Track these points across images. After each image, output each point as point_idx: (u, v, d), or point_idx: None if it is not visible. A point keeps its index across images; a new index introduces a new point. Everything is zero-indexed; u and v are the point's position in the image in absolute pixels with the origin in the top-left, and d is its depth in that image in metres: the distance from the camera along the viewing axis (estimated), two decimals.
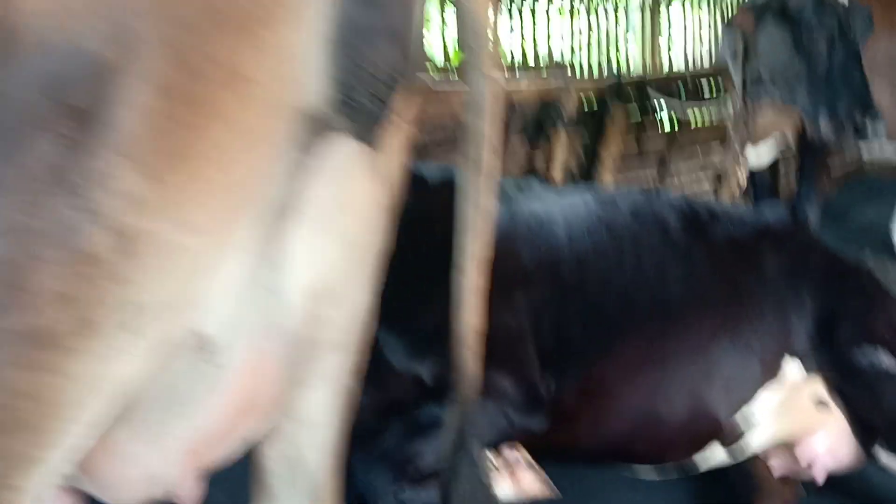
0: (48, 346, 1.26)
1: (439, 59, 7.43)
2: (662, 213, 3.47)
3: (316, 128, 1.41)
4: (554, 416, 3.14)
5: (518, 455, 3.16)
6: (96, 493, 1.73)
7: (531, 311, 3.24)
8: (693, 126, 6.58)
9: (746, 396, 3.25)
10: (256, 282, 1.50)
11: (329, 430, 1.81)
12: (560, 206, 3.46)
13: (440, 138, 5.07)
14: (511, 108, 5.24)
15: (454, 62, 7.46)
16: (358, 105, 1.38)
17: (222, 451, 1.70)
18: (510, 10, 7.93)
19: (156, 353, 1.39)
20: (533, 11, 8.28)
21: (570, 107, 5.37)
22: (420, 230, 3.25)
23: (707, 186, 6.82)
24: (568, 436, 3.22)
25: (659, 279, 3.28)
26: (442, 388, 2.99)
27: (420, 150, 4.98)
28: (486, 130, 1.63)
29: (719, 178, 6.83)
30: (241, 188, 1.35)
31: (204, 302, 1.42)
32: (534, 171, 5.47)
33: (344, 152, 1.46)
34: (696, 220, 3.50)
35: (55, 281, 1.25)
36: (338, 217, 1.55)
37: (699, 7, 9.57)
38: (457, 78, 6.45)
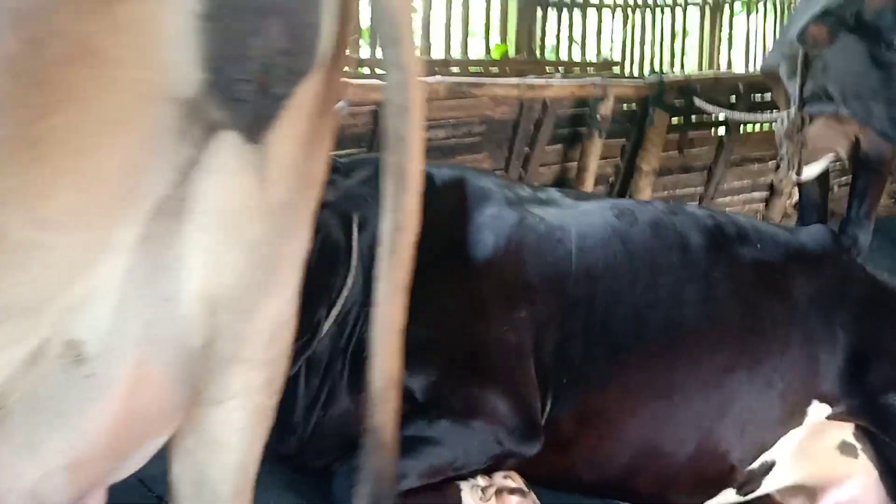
0: None
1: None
2: (684, 228, 3.19)
3: (199, 120, 1.24)
4: (550, 442, 2.91)
5: (510, 482, 2.95)
6: None
7: (533, 327, 3.01)
8: (743, 133, 6.20)
9: (766, 442, 2.96)
10: (143, 288, 1.34)
11: (238, 453, 1.63)
12: (574, 216, 3.22)
13: (465, 138, 4.85)
14: (543, 109, 4.97)
15: (495, 56, 7.24)
16: (238, 94, 1.20)
17: (108, 466, 1.56)
18: (556, 5, 7.67)
19: (17, 358, 1.25)
20: (582, 7, 7.99)
21: (605, 111, 5.01)
22: (423, 230, 3.06)
23: (758, 203, 6.44)
24: (564, 463, 2.99)
25: (673, 300, 3.01)
26: (432, 403, 2.82)
27: (445, 151, 4.80)
28: (410, 134, 1.39)
29: (771, 193, 6.48)
30: (109, 182, 1.20)
31: (73, 305, 1.27)
32: (565, 181, 5.16)
33: (236, 147, 1.27)
34: (721, 237, 3.21)
35: None
36: (235, 219, 1.36)
37: (761, 10, 9.18)
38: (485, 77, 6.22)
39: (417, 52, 1.35)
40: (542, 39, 7.72)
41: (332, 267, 2.89)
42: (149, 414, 1.47)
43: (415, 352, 2.82)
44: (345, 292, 2.90)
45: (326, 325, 2.90)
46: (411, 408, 2.80)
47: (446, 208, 3.14)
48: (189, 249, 1.36)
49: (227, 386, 1.55)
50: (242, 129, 1.25)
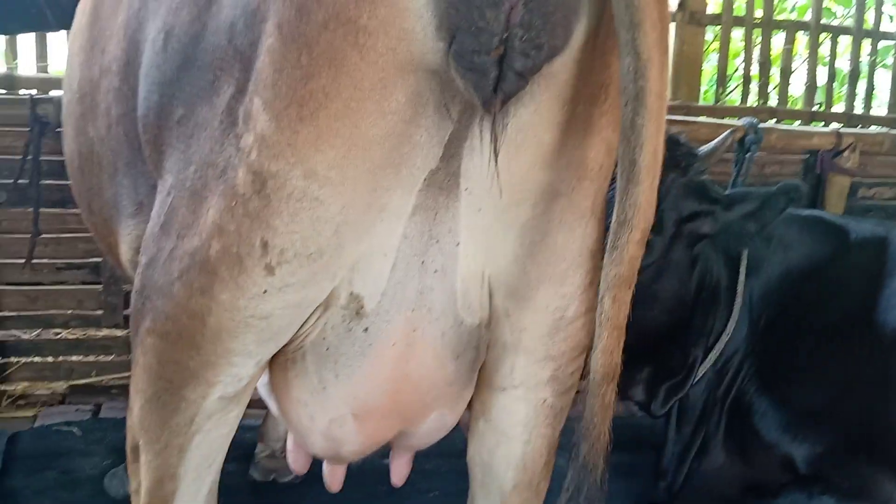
0: (206, 271, 1.35)
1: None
2: None
3: (456, 95, 1.27)
4: None
5: None
6: (299, 441, 1.81)
7: None
8: None
9: None
10: (417, 256, 1.43)
11: (521, 444, 1.63)
12: None
13: None
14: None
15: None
16: (477, 66, 1.20)
17: (393, 424, 1.66)
18: None
19: (304, 302, 1.41)
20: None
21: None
22: (828, 291, 2.79)
23: None
24: None
25: None
26: (816, 477, 2.54)
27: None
28: (642, 125, 1.24)
29: None
30: (374, 148, 1.29)
31: (353, 262, 1.40)
32: None
33: (489, 124, 1.28)
34: None
35: (214, 212, 1.34)
36: (501, 200, 1.38)
37: None
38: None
39: (657, 38, 1.22)
40: None
41: (711, 307, 2.76)
42: (422, 379, 1.54)
43: (805, 417, 2.60)
44: (724, 337, 2.74)
45: (702, 369, 2.77)
46: (792, 478, 2.55)
47: (861, 269, 2.82)
48: (461, 227, 1.41)
49: (509, 374, 1.58)
50: (487, 104, 1.25)
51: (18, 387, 3.68)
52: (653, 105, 1.27)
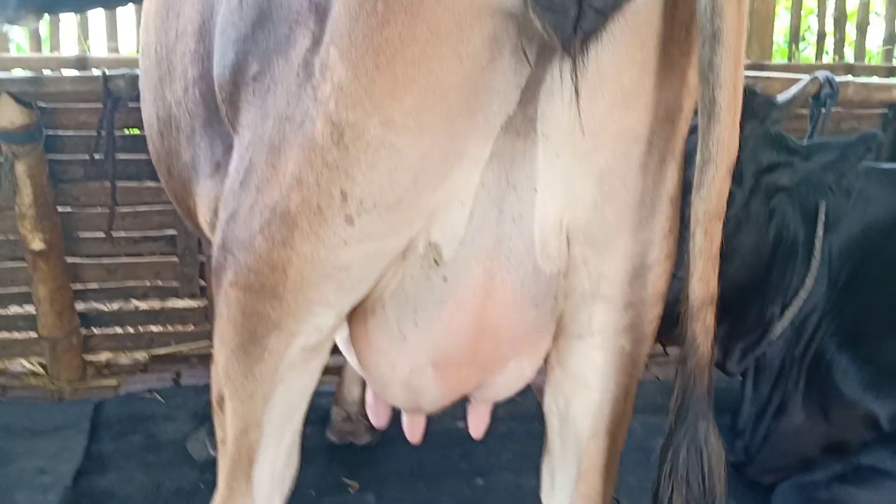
0: (287, 223, 1.37)
1: None
2: None
3: (533, 37, 1.24)
4: None
5: None
6: (379, 392, 1.83)
7: None
8: None
9: None
10: (495, 204, 1.42)
11: (598, 391, 1.63)
12: None
13: None
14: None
15: None
16: (555, 5, 1.17)
17: (473, 374, 1.67)
18: None
19: (383, 252, 1.42)
20: None
21: None
22: None
23: None
24: None
25: None
26: None
27: None
28: (720, 63, 1.24)
29: None
30: (450, 94, 1.28)
31: (431, 211, 1.40)
32: None
33: (569, 66, 1.24)
34: None
35: (293, 164, 1.35)
36: (581, 144, 1.36)
37: None
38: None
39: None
40: None
41: (789, 262, 2.69)
42: (501, 328, 1.55)
43: (887, 373, 2.53)
44: (802, 293, 2.68)
45: (780, 327, 2.71)
46: (875, 436, 2.50)
47: None
48: (538, 173, 1.40)
49: (587, 322, 1.57)
50: (567, 44, 1.22)
51: (102, 357, 3.81)
52: (731, 43, 1.25)
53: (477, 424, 2.12)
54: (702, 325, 1.44)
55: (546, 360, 1.70)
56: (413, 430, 2.20)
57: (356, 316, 1.59)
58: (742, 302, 2.70)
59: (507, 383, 1.75)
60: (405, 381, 1.65)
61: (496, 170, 1.40)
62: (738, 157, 2.40)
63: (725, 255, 2.46)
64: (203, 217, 1.89)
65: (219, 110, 1.66)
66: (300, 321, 1.46)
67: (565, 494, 1.74)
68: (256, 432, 1.57)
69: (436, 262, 1.47)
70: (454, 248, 1.45)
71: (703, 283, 1.42)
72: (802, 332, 2.73)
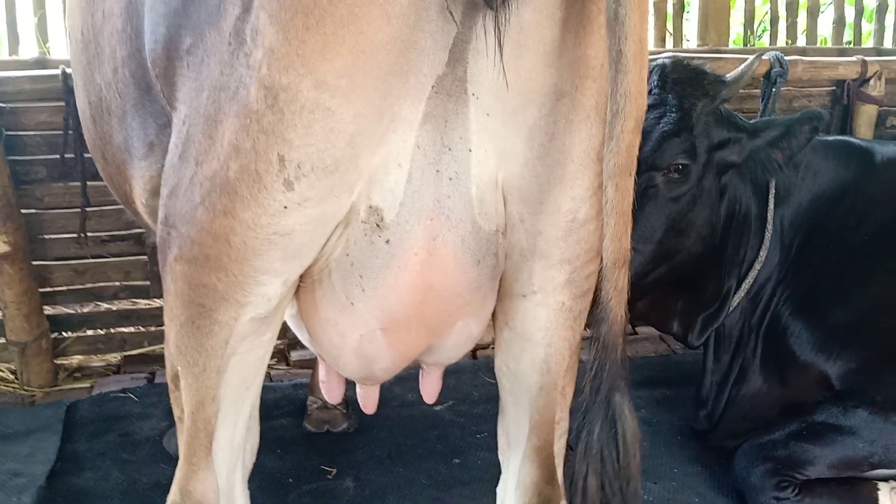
0: (227, 192, 1.39)
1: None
2: None
3: None
4: None
5: None
6: (332, 364, 1.84)
7: None
8: None
9: None
10: (431, 164, 1.45)
11: (544, 350, 1.67)
12: None
13: None
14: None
15: None
16: None
17: (423, 337, 1.69)
18: None
19: (324, 216, 1.44)
20: None
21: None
22: (857, 211, 2.81)
23: None
24: None
25: None
26: (851, 392, 2.57)
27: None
28: (626, 16, 1.31)
29: None
30: (380, 54, 1.31)
31: (370, 174, 1.43)
32: None
33: (493, 25, 1.30)
34: None
35: (230, 133, 1.37)
36: (508, 102, 1.40)
37: None
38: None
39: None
40: None
41: (743, 236, 2.79)
42: (445, 287, 1.57)
43: (837, 335, 2.63)
44: (757, 265, 2.78)
45: (736, 299, 2.80)
46: (827, 395, 2.59)
47: (889, 188, 2.83)
48: (471, 133, 1.44)
49: (528, 280, 1.61)
50: (489, 1, 1.26)
51: (74, 360, 3.78)
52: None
53: (429, 389, 2.14)
54: (614, 287, 1.47)
55: (494, 324, 1.75)
56: (367, 400, 2.21)
57: (303, 289, 1.61)
58: (700, 276, 2.79)
59: (456, 345, 1.79)
60: (356, 348, 1.67)
61: (431, 131, 1.44)
62: (692, 134, 2.52)
63: (681, 229, 2.60)
64: (139, 199, 1.89)
65: (150, 90, 1.66)
66: (247, 291, 1.48)
67: (520, 449, 1.78)
68: (213, 406, 1.59)
69: (378, 225, 1.49)
70: (395, 210, 1.48)
71: (616, 241, 1.44)
72: (758, 301, 2.83)
